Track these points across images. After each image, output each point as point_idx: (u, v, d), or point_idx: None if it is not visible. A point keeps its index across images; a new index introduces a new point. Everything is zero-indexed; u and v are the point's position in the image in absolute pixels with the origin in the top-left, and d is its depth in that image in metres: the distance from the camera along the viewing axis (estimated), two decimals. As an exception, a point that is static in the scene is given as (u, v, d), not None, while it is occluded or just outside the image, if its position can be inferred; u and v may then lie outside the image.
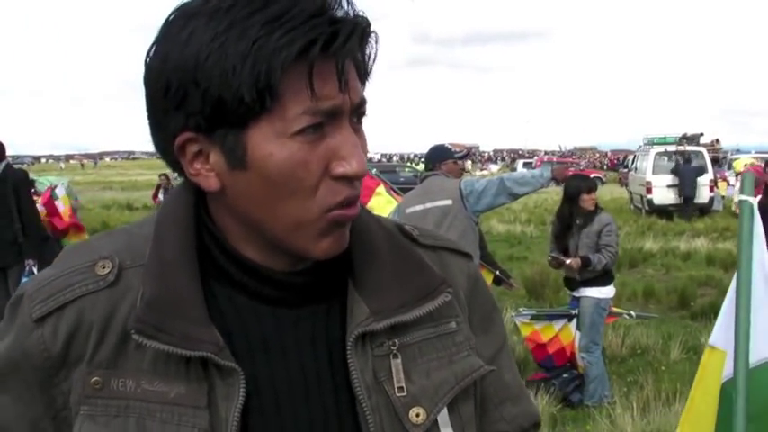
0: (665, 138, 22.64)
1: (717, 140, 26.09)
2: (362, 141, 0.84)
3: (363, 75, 0.84)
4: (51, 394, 0.84)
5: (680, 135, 22.15)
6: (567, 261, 5.64)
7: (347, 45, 0.77)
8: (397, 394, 0.86)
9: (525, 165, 41.30)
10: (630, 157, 28.81)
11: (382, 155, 67.84)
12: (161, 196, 14.92)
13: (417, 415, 0.86)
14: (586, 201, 5.71)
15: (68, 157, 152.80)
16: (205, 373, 0.82)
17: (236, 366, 0.82)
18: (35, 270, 6.28)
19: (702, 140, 23.24)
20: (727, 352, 2.05)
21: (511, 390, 1.03)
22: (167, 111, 0.81)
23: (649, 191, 20.15)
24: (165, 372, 0.82)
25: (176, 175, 0.90)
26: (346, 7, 0.80)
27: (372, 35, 0.82)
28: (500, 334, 1.04)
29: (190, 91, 0.78)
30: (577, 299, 5.85)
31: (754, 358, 1.98)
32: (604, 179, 34.79)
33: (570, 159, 50.30)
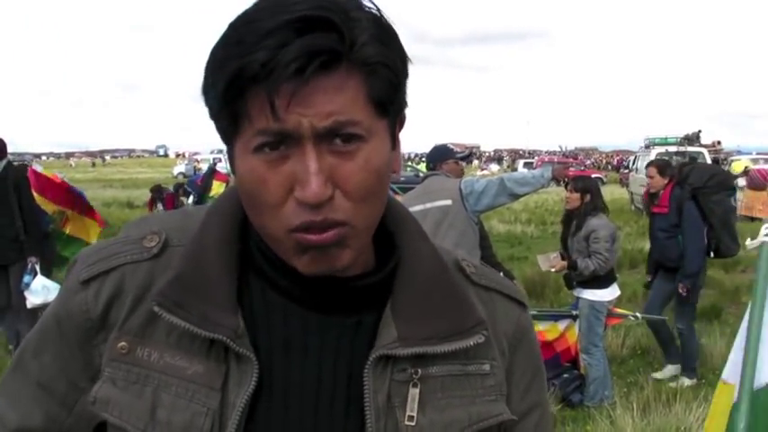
0: (665, 138, 22.65)
1: (718, 142, 26.08)
2: (348, 165, 0.79)
3: (376, 93, 0.80)
4: (90, 355, 0.88)
5: (681, 136, 22.18)
6: (553, 268, 5.64)
7: (276, 72, 0.74)
8: (406, 423, 0.86)
9: (526, 165, 41.31)
10: (631, 158, 28.81)
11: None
12: (160, 206, 15.01)
13: None
14: (566, 199, 5.69)
15: (69, 155, 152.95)
16: (225, 357, 0.85)
17: (250, 355, 0.84)
18: (37, 268, 6.27)
19: (703, 142, 23.26)
20: (735, 384, 2.16)
21: None
22: None
23: (650, 191, 20.12)
24: (188, 348, 0.85)
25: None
26: (338, 22, 0.76)
27: (367, 55, 0.78)
28: (540, 393, 1.02)
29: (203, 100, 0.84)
30: (578, 299, 5.86)
31: (759, 382, 2.11)
32: (605, 179, 34.79)
33: (573, 160, 50.28)
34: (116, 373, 0.86)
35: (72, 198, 7.70)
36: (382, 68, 0.80)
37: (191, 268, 0.86)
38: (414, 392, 0.87)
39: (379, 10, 0.82)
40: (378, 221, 0.87)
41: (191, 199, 14.34)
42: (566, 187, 5.84)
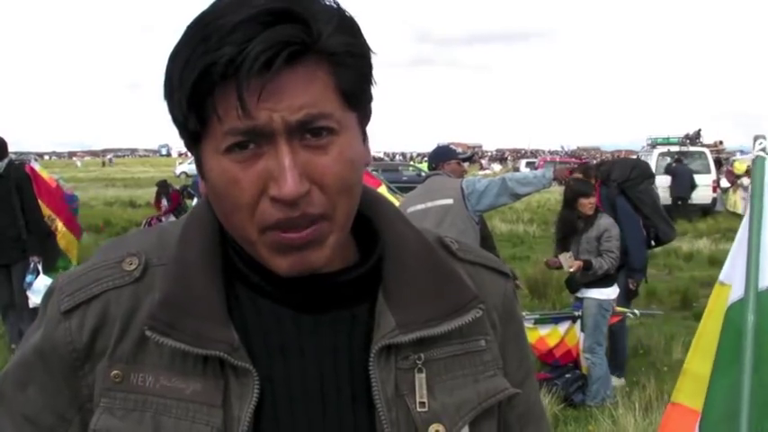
0: (668, 138, 22.62)
1: (720, 142, 26.04)
2: (323, 159, 0.78)
3: (345, 85, 0.79)
4: (77, 386, 0.85)
5: (682, 135, 22.17)
6: (571, 268, 5.62)
7: (244, 66, 0.73)
8: (419, 409, 0.86)
9: (528, 165, 41.25)
10: (633, 157, 28.75)
11: (385, 153, 67.77)
12: (165, 202, 15.00)
13: (437, 431, 0.86)
14: (584, 205, 5.69)
15: (71, 154, 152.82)
16: (222, 372, 0.83)
17: (249, 367, 0.82)
18: (39, 267, 6.29)
19: (706, 141, 23.24)
20: (732, 284, 2.38)
21: (534, 413, 1.03)
22: None
23: (652, 191, 20.06)
24: (182, 369, 0.83)
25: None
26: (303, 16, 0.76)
27: (333, 46, 0.77)
28: (530, 357, 1.04)
29: (167, 104, 0.82)
30: (581, 300, 5.86)
31: (763, 284, 2.32)
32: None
33: (576, 160, 50.22)
34: (112, 402, 0.83)
35: (65, 208, 7.64)
36: (349, 59, 0.79)
37: (177, 287, 0.84)
38: (420, 378, 0.87)
39: (337, 2, 0.81)
40: (354, 214, 0.86)
41: (195, 201, 14.33)
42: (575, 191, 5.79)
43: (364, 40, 0.82)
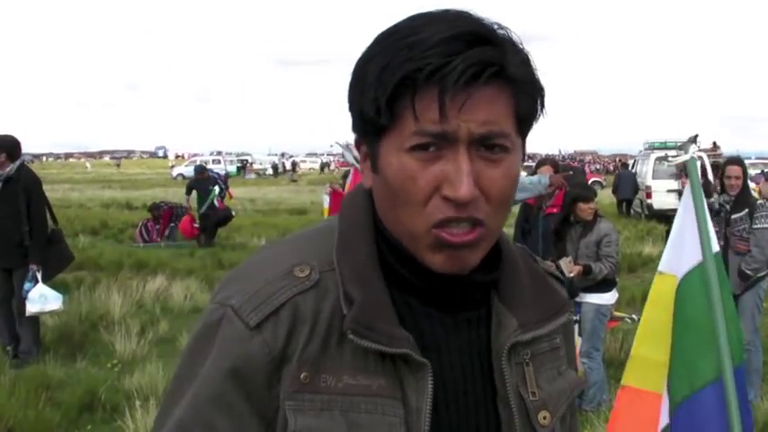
0: (665, 142, 22.63)
1: (717, 146, 26.02)
2: (493, 172, 0.87)
3: (521, 111, 0.89)
4: (268, 400, 0.88)
5: (680, 143, 22.20)
6: (571, 273, 5.61)
7: (450, 77, 0.82)
8: (531, 398, 0.98)
9: (525, 168, 41.20)
10: (631, 162, 28.82)
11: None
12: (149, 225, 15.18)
13: (544, 417, 0.98)
14: (584, 210, 5.70)
15: (68, 156, 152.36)
16: (395, 368, 0.90)
17: (426, 362, 0.90)
18: (38, 276, 6.14)
19: (703, 146, 23.27)
20: (679, 269, 2.51)
21: (574, 406, 1.12)
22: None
23: (649, 195, 20.16)
24: (365, 367, 0.90)
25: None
26: (499, 41, 0.86)
27: (518, 74, 0.86)
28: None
29: (350, 100, 0.92)
30: (578, 304, 5.86)
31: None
32: (604, 183, 34.72)
33: (569, 164, 50.11)
34: (300, 404, 0.87)
35: None
36: (530, 88, 0.89)
37: (364, 292, 0.90)
38: (529, 371, 0.99)
39: (520, 38, 0.89)
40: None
41: (216, 189, 14.60)
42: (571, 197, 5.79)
43: (539, 75, 0.91)
